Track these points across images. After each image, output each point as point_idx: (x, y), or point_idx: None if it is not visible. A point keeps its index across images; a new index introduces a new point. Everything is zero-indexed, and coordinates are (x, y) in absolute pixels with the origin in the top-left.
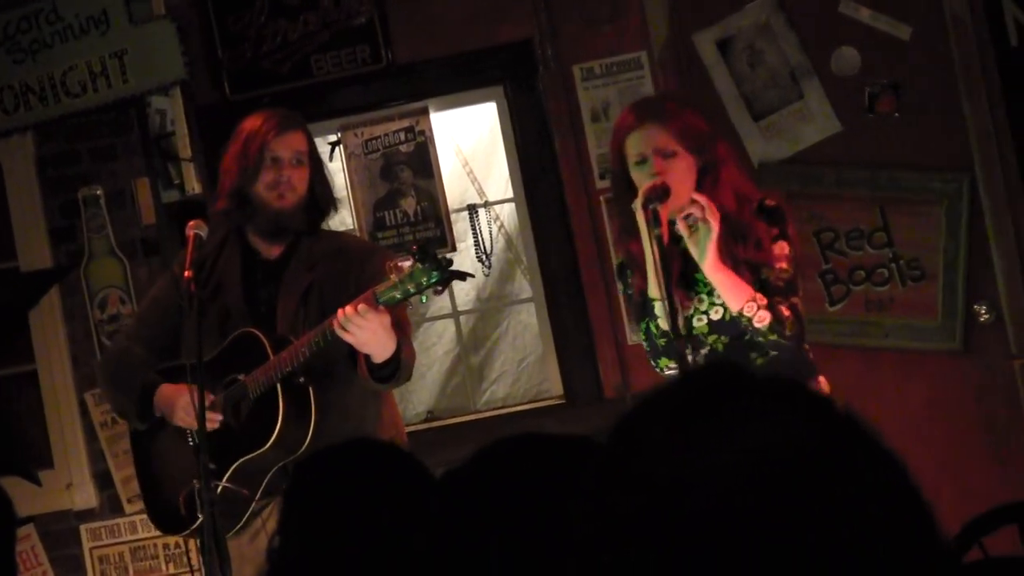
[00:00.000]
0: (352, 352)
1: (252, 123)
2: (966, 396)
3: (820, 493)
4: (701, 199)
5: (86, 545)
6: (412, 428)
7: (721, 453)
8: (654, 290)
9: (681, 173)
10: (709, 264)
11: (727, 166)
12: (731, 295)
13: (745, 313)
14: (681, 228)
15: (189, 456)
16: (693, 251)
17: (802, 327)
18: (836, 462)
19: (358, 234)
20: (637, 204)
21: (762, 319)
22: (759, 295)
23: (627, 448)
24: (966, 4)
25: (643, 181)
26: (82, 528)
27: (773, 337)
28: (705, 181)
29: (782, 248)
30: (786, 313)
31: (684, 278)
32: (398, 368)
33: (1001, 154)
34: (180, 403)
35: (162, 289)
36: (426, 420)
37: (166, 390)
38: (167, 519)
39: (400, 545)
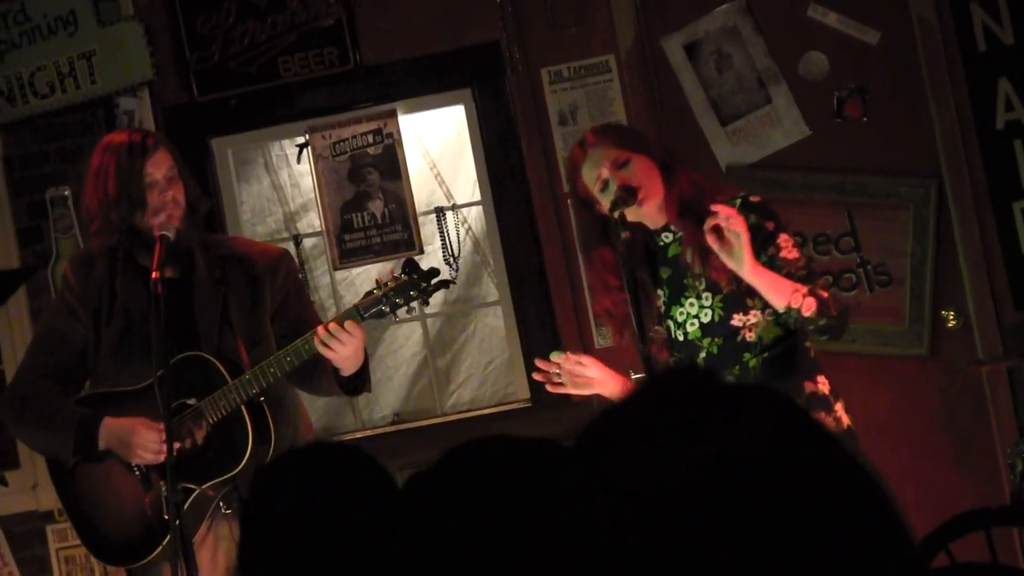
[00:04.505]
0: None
1: (116, 153)
2: (933, 401)
3: (789, 496)
4: (720, 209)
5: (52, 546)
6: (378, 431)
7: (689, 457)
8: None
9: (643, 173)
10: (747, 269)
11: (681, 159)
12: (774, 294)
13: (793, 306)
14: (711, 242)
15: (135, 486)
16: (728, 262)
17: (839, 303)
18: (802, 465)
19: (326, 237)
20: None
21: (809, 307)
22: (798, 284)
23: (599, 453)
24: (934, 9)
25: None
26: (48, 529)
27: (823, 322)
28: (667, 175)
29: (786, 240)
30: (825, 295)
31: (673, 283)
32: (367, 379)
33: (968, 159)
34: (136, 441)
35: (56, 317)
36: (392, 423)
37: (114, 424)
38: (112, 550)
39: (366, 549)
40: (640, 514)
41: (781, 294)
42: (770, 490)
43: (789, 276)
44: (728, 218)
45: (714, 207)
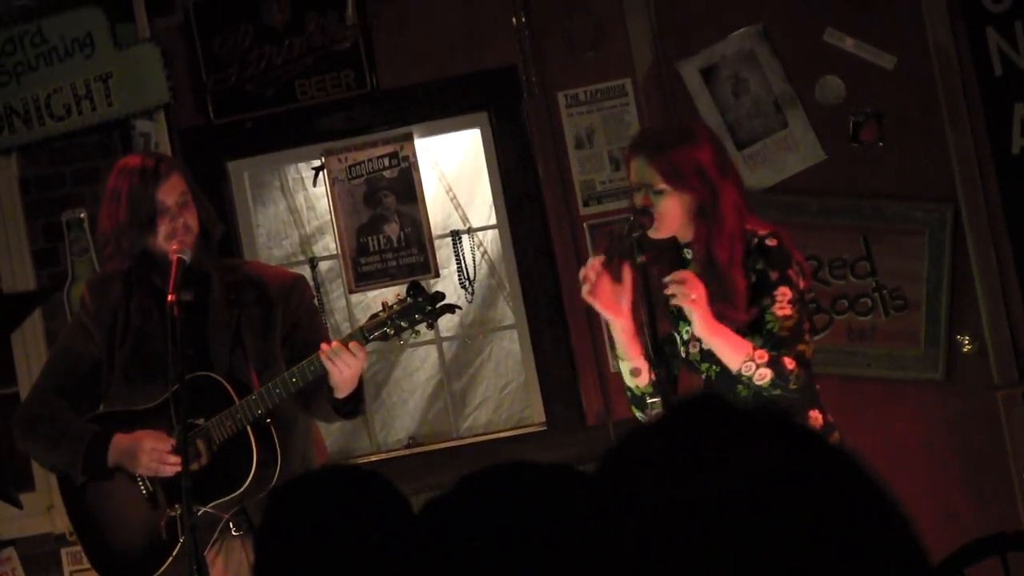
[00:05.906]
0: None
1: (129, 177)
2: (948, 426)
3: (808, 522)
4: (677, 276)
5: (67, 568)
6: (393, 454)
7: (709, 481)
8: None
9: (668, 210)
10: (700, 332)
11: (727, 201)
12: (728, 357)
13: (744, 373)
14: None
15: (142, 505)
16: (688, 314)
17: (810, 372)
18: (823, 491)
19: (341, 260)
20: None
21: (762, 376)
22: (758, 352)
23: (618, 479)
24: (950, 34)
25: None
26: (63, 551)
27: (777, 392)
28: (702, 219)
29: (784, 294)
30: (790, 367)
31: (679, 306)
32: (362, 400)
33: (984, 184)
34: (144, 450)
35: (71, 338)
36: (408, 446)
37: (123, 440)
38: (117, 569)
39: (381, 574)
40: (661, 537)
41: (734, 358)
42: (788, 510)
43: (770, 332)
44: (682, 284)
45: (669, 278)
